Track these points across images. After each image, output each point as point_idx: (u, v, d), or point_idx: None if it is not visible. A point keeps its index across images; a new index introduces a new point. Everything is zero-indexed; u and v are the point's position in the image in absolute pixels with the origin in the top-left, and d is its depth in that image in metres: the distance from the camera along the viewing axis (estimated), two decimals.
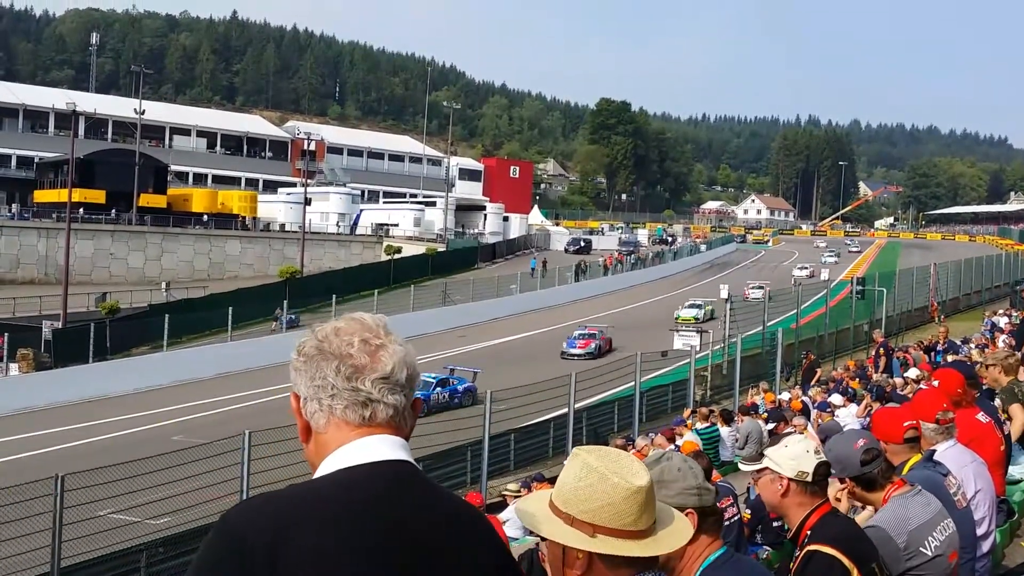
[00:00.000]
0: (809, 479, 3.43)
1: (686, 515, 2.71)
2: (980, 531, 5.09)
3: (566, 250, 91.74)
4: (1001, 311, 36.32)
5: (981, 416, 6.57)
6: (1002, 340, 22.45)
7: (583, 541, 1.94)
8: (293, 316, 50.62)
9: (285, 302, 51.34)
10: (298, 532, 1.67)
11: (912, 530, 3.82)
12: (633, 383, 26.13)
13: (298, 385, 1.88)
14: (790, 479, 3.44)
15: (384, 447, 1.83)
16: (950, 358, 15.59)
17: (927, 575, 3.84)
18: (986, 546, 5.22)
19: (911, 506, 3.91)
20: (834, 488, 4.07)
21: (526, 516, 2.02)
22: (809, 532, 3.40)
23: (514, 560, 1.97)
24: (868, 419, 13.48)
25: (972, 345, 23.42)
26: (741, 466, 3.92)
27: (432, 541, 1.77)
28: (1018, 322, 26.89)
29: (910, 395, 13.03)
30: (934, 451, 5.00)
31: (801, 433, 13.86)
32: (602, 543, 1.94)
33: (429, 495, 1.84)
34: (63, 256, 52.66)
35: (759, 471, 3.58)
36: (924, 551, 3.82)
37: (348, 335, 1.87)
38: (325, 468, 1.82)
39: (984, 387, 8.07)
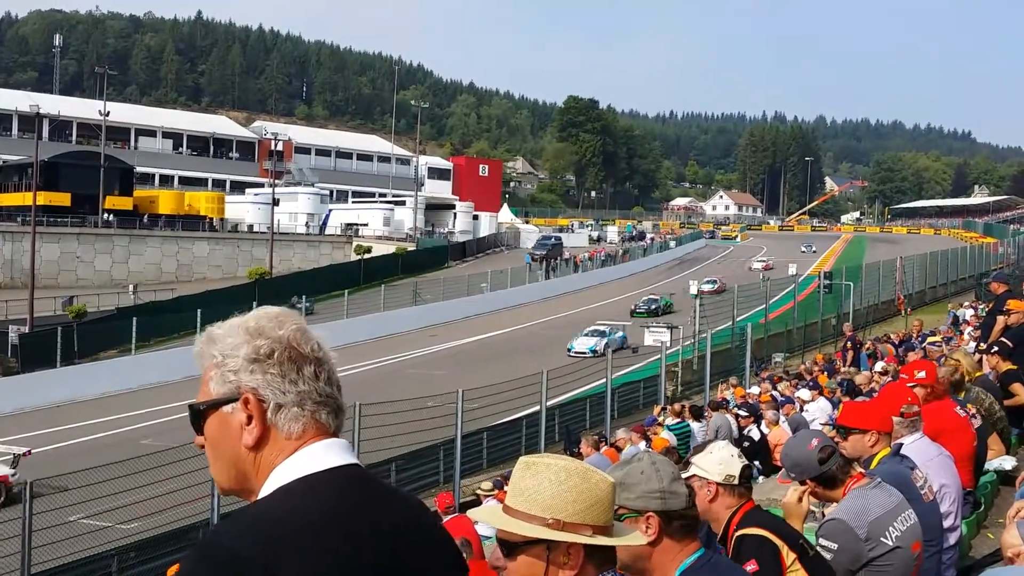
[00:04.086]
0: (736, 481, 3.56)
1: (647, 517, 2.71)
2: (947, 524, 5.15)
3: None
4: (966, 304, 36.70)
5: (959, 410, 6.66)
6: (967, 332, 22.70)
7: (587, 541, 1.95)
8: (309, 304, 51.22)
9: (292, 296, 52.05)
10: (291, 542, 1.62)
11: (872, 520, 3.87)
12: (604, 380, 26.20)
13: (266, 389, 1.76)
14: (718, 484, 3.55)
15: (340, 452, 1.80)
16: (911, 356, 15.74)
17: (890, 565, 3.89)
18: (953, 538, 5.29)
19: (871, 497, 3.97)
20: (796, 491, 4.12)
21: (513, 526, 1.98)
22: (738, 523, 3.53)
23: (462, 555, 1.95)
24: (835, 410, 13.60)
25: (938, 338, 23.65)
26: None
27: (408, 541, 1.76)
28: (984, 315, 27.17)
29: (876, 388, 13.14)
30: (901, 444, 5.06)
31: (768, 428, 14.01)
32: (601, 540, 1.95)
33: (397, 497, 1.84)
34: (28, 260, 52.13)
35: (687, 478, 3.63)
36: (885, 541, 3.87)
37: (306, 335, 1.83)
38: (281, 476, 1.75)
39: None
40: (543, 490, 1.96)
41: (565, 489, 1.95)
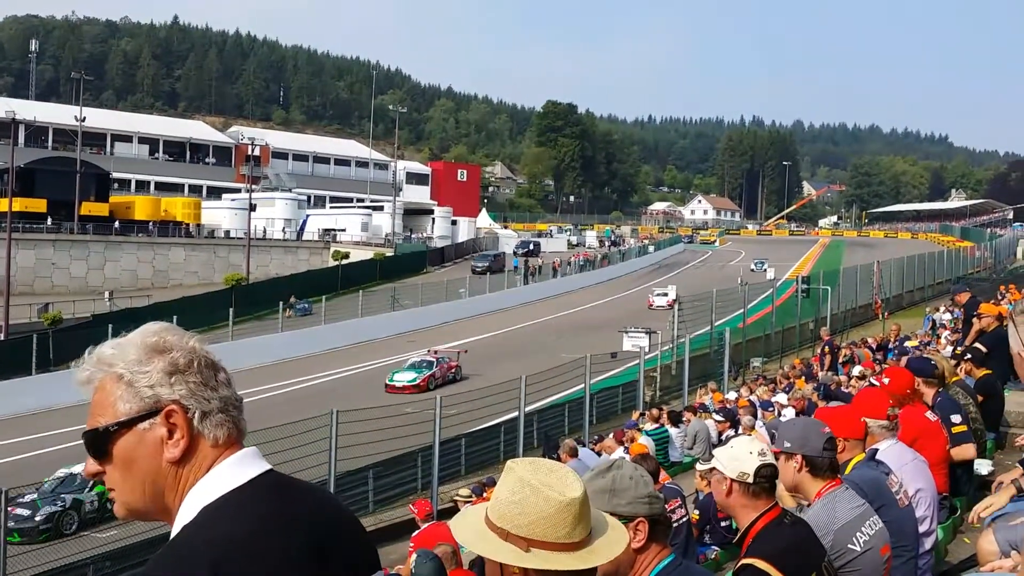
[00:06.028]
0: (750, 480, 3.42)
1: (637, 523, 2.71)
2: (922, 528, 5.16)
3: (515, 253, 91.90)
4: (943, 308, 36.91)
5: (929, 414, 6.69)
6: (944, 337, 22.85)
7: (517, 557, 1.87)
8: (307, 305, 51.34)
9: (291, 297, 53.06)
10: (232, 559, 1.62)
11: (838, 529, 3.86)
12: (583, 385, 26.21)
13: (191, 399, 1.75)
14: (732, 480, 3.45)
15: (253, 460, 1.80)
16: (904, 358, 15.84)
17: (859, 570, 3.89)
18: (928, 543, 5.30)
19: (839, 503, 3.96)
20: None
21: (462, 533, 1.97)
22: (752, 541, 3.39)
23: (374, 547, 1.96)
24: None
25: (916, 342, 23.80)
26: (697, 466, 3.98)
27: (331, 536, 1.78)
28: (962, 320, 27.32)
29: (854, 392, 13.20)
30: (876, 450, 5.07)
31: (749, 434, 14.03)
32: (536, 558, 1.87)
33: (316, 495, 1.87)
34: (3, 266, 51.69)
35: (710, 471, 3.61)
36: (853, 547, 3.86)
37: (204, 345, 1.83)
38: (201, 497, 1.73)
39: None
40: (500, 497, 1.92)
41: (515, 500, 1.89)
